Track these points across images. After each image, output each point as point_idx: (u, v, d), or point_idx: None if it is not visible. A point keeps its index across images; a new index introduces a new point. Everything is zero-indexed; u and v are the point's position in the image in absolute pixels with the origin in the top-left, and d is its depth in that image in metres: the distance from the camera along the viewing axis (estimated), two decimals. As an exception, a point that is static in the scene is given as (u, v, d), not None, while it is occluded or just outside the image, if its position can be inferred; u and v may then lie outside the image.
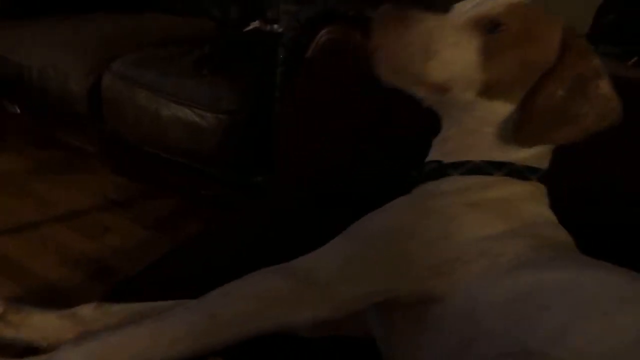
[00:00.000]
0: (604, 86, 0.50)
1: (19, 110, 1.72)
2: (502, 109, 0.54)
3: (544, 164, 0.57)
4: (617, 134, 0.66)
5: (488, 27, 0.51)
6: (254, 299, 0.46)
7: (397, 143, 0.75)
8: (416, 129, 0.65)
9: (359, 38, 1.07)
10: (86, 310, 0.54)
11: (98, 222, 1.62)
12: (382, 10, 0.53)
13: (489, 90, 0.53)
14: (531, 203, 0.54)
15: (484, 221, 0.50)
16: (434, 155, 0.61)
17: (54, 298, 1.30)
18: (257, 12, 1.81)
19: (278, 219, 0.81)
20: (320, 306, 0.46)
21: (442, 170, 0.58)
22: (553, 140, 0.55)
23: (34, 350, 0.51)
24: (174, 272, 0.69)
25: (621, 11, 1.05)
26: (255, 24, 1.65)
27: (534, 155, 0.56)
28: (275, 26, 1.59)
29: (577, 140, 0.52)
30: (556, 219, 0.56)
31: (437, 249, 0.48)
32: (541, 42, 0.52)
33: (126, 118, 1.44)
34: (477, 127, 0.56)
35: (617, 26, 1.06)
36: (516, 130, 0.52)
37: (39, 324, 0.52)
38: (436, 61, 0.52)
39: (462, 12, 0.55)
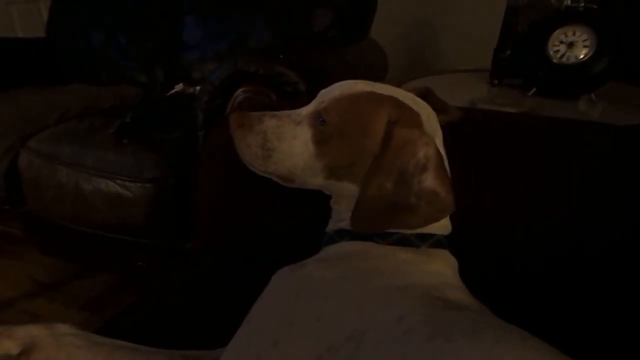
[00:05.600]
0: (429, 180, 0.48)
1: None
2: (353, 189, 0.55)
3: (442, 230, 0.55)
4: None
5: (320, 120, 0.54)
6: None
7: (314, 201, 0.74)
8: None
9: (273, 95, 1.08)
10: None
11: (27, 311, 1.50)
12: (231, 117, 0.56)
13: (332, 174, 0.55)
14: (421, 267, 0.50)
15: (359, 294, 0.46)
16: (330, 224, 0.60)
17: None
18: (183, 74, 1.81)
19: (200, 286, 0.77)
20: None
21: (332, 237, 0.57)
22: (390, 227, 0.52)
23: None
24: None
25: (515, 48, 1.12)
26: (178, 87, 1.64)
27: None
28: (198, 88, 1.59)
29: (420, 225, 0.50)
30: (460, 283, 0.53)
31: (312, 336, 0.44)
32: (363, 131, 0.52)
33: (48, 197, 1.37)
34: (348, 202, 0.55)
35: (514, 61, 1.13)
36: (351, 217, 0.52)
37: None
38: (275, 157, 0.55)
39: (309, 106, 0.57)
